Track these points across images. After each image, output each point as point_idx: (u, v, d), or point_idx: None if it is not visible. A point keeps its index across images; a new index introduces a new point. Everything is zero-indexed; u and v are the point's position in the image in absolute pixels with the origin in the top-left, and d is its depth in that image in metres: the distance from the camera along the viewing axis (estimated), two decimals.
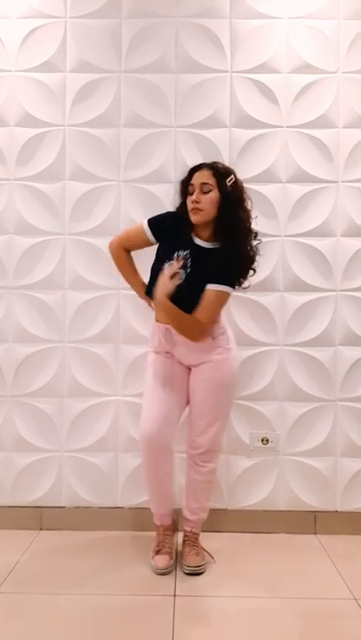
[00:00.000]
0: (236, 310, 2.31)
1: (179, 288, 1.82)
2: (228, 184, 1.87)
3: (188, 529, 2.05)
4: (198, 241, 1.92)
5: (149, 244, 1.98)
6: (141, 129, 2.33)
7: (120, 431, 2.32)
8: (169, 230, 1.95)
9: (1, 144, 2.33)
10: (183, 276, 1.85)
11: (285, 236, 2.33)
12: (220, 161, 2.24)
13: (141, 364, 2.25)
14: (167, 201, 2.21)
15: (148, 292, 1.95)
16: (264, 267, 2.31)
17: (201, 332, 1.87)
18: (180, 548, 2.06)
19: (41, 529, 2.31)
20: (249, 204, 1.93)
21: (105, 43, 2.34)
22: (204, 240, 1.92)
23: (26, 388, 2.33)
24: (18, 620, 1.65)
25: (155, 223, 1.97)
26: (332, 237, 2.33)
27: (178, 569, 1.98)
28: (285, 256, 2.32)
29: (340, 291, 2.33)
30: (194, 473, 2.03)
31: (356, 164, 2.32)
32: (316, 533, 2.30)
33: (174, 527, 2.10)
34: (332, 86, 2.32)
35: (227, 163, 2.28)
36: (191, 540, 2.02)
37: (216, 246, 1.90)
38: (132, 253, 2.05)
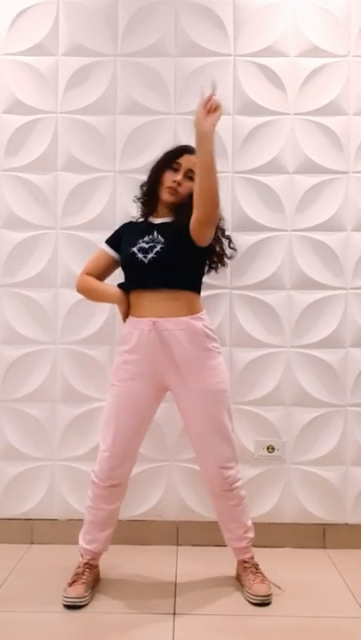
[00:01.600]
0: (240, 309, 2.31)
1: (160, 259, 1.85)
2: None
3: (243, 557, 1.96)
4: (157, 220, 1.96)
5: (114, 263, 2.01)
6: (139, 116, 2.33)
7: None
8: (127, 233, 2.00)
9: None
10: (159, 249, 1.86)
11: (292, 230, 2.33)
12: (223, 150, 2.25)
13: None
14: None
15: (124, 286, 1.94)
16: (269, 263, 2.32)
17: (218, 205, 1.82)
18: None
19: (32, 543, 2.31)
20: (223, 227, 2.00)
21: (100, 24, 2.34)
22: (162, 217, 1.96)
23: (15, 392, 2.33)
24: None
25: (111, 238, 2.04)
26: (342, 232, 2.33)
27: (178, 588, 1.98)
28: (292, 252, 2.33)
29: (351, 289, 2.33)
30: (225, 501, 1.92)
31: None
32: (325, 547, 2.30)
33: (98, 570, 1.99)
34: (343, 71, 2.33)
35: (229, 152, 2.30)
36: (253, 567, 1.93)
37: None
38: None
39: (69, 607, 1.81)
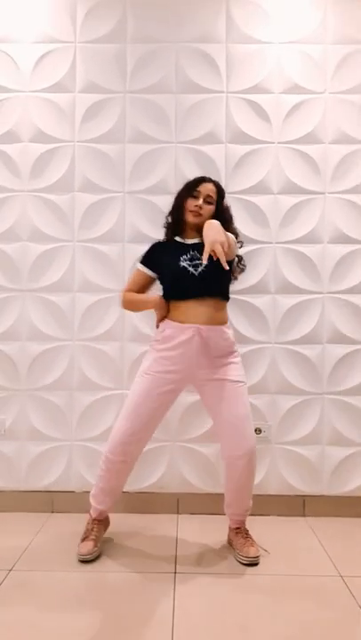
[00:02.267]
0: (232, 311, 2.30)
1: (209, 273, 1.84)
2: (224, 204, 1.98)
3: (238, 525, 1.96)
4: (189, 240, 1.95)
5: (152, 280, 1.99)
6: (144, 145, 2.33)
7: None
8: (161, 252, 1.97)
9: (16, 158, 2.34)
10: (202, 267, 1.85)
11: (277, 242, 2.33)
12: (217, 174, 2.26)
13: None
14: (168, 211, 2.21)
15: (164, 296, 1.92)
16: (257, 271, 2.32)
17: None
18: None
19: (52, 512, 2.31)
20: (235, 227, 2.00)
21: (111, 65, 2.34)
22: (192, 238, 1.95)
23: (39, 382, 2.33)
24: (30, 595, 1.66)
25: (147, 259, 2.00)
26: (319, 244, 2.33)
27: (178, 550, 1.98)
28: (277, 261, 2.33)
29: (327, 293, 2.33)
30: (249, 471, 1.88)
31: (341, 176, 2.33)
32: (304, 516, 2.30)
33: (107, 522, 2.03)
34: (320, 106, 2.33)
35: (223, 176, 2.30)
36: (244, 532, 1.94)
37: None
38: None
39: (83, 562, 1.86)
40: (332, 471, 2.31)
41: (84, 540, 1.93)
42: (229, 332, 1.92)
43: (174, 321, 1.88)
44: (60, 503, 2.31)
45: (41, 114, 2.34)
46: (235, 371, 1.89)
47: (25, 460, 2.33)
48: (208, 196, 1.92)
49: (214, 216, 1.91)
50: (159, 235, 2.10)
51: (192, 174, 2.29)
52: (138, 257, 2.05)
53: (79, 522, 2.06)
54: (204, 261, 1.70)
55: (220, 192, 1.97)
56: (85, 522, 2.00)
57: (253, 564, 1.85)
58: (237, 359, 1.92)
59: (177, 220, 1.96)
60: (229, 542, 2.00)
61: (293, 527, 2.20)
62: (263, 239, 2.32)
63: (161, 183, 2.32)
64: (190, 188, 1.94)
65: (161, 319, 1.92)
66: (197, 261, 1.87)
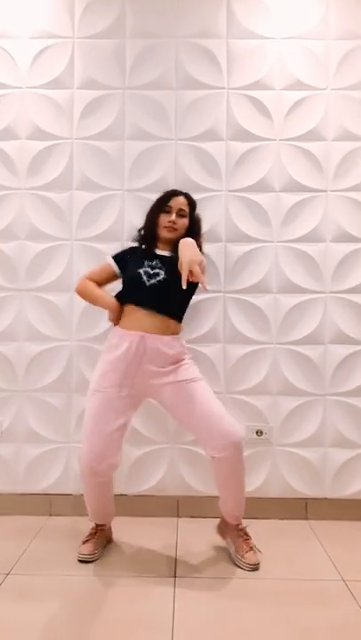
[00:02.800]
0: (233, 311, 2.31)
1: (160, 287, 1.86)
2: (196, 216, 2.01)
3: (236, 523, 1.94)
4: (160, 252, 1.96)
5: (115, 278, 2.01)
6: (144, 142, 2.33)
7: None
8: (131, 255, 2.00)
9: (13, 156, 2.34)
10: (161, 279, 1.87)
11: (278, 241, 2.33)
12: (218, 172, 2.26)
13: None
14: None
15: (119, 298, 1.94)
16: (258, 270, 2.32)
17: None
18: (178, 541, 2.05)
19: (50, 515, 2.31)
20: (203, 237, 2.04)
21: (110, 61, 2.34)
22: (163, 250, 1.97)
23: (36, 383, 2.33)
24: (28, 599, 1.65)
25: (119, 257, 2.02)
26: (321, 243, 2.33)
27: (178, 554, 1.98)
28: (278, 260, 2.33)
29: (330, 293, 2.33)
30: (222, 469, 1.85)
31: (344, 174, 2.33)
32: (307, 519, 2.30)
33: (109, 533, 2.05)
34: (322, 102, 2.33)
35: (223, 174, 2.30)
36: (244, 534, 1.93)
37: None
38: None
39: (82, 562, 1.88)
40: (334, 474, 2.31)
41: (85, 542, 1.95)
42: (179, 343, 1.91)
43: (122, 328, 1.89)
44: (58, 506, 2.31)
45: (38, 110, 2.34)
46: (186, 371, 1.87)
47: (22, 463, 2.33)
48: (180, 209, 1.95)
49: (188, 227, 1.96)
50: None
51: (192, 172, 2.30)
52: (111, 252, 2.08)
53: (77, 525, 2.05)
54: (184, 286, 1.70)
55: (192, 204, 2.00)
56: (86, 526, 2.00)
57: (255, 570, 1.85)
58: (187, 362, 1.90)
59: (150, 237, 1.98)
60: (221, 534, 2.01)
61: (295, 531, 2.19)
62: (265, 238, 2.32)
63: (161, 181, 2.32)
64: (161, 204, 1.96)
65: (114, 323, 1.94)
66: (157, 270, 1.88)
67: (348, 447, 2.30)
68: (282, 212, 2.33)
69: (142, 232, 2.02)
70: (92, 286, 1.99)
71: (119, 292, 1.97)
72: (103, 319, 2.31)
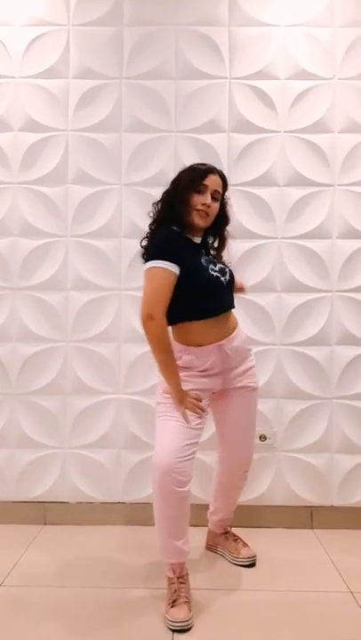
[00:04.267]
0: (235, 310, 2.29)
1: (230, 281, 1.77)
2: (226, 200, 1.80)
3: (226, 529, 2.04)
4: (197, 239, 1.77)
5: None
6: (142, 134, 2.32)
7: (122, 428, 2.31)
8: (179, 249, 1.67)
9: (5, 148, 2.33)
10: (227, 271, 1.77)
11: (282, 238, 2.32)
12: (219, 165, 2.25)
13: (142, 363, 2.25)
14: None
15: (177, 314, 1.68)
16: (262, 268, 2.31)
17: None
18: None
19: (45, 524, 2.30)
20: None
21: (107, 50, 2.33)
22: (197, 237, 1.77)
23: (30, 386, 2.32)
24: (22, 612, 1.64)
25: (174, 254, 1.63)
26: (328, 239, 2.32)
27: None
28: (282, 258, 2.32)
29: (336, 291, 2.32)
30: (240, 480, 1.96)
31: (351, 167, 2.32)
32: (312, 528, 2.29)
33: (187, 574, 1.70)
34: (329, 92, 2.32)
35: (225, 167, 2.29)
36: (233, 535, 2.02)
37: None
38: None
39: (177, 631, 1.52)
40: (341, 481, 2.30)
41: (173, 604, 1.59)
42: (243, 330, 1.89)
43: (192, 345, 1.66)
44: (52, 515, 2.30)
45: (32, 101, 2.33)
46: (253, 377, 1.85)
47: (15, 469, 2.32)
48: (215, 191, 1.71)
49: (218, 213, 1.74)
50: None
51: None
52: (137, 251, 1.82)
53: (73, 534, 2.04)
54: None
55: (225, 185, 1.78)
56: (81, 538, 1.99)
57: (253, 563, 1.92)
58: (253, 361, 1.87)
59: (176, 217, 1.69)
60: (212, 547, 2.05)
61: (300, 540, 2.18)
62: (268, 234, 2.31)
63: (160, 175, 2.30)
64: (195, 181, 1.68)
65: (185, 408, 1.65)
66: (223, 266, 1.76)
67: (355, 453, 2.30)
68: (286, 207, 2.32)
69: (166, 212, 1.71)
70: (173, 358, 1.64)
71: (175, 308, 1.63)
72: (100, 319, 2.32)
